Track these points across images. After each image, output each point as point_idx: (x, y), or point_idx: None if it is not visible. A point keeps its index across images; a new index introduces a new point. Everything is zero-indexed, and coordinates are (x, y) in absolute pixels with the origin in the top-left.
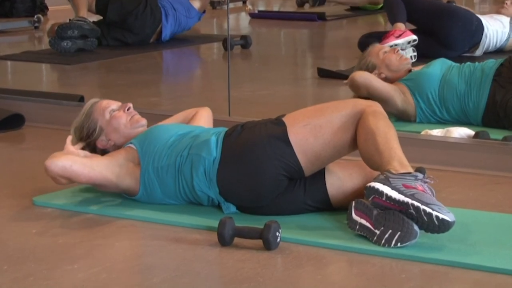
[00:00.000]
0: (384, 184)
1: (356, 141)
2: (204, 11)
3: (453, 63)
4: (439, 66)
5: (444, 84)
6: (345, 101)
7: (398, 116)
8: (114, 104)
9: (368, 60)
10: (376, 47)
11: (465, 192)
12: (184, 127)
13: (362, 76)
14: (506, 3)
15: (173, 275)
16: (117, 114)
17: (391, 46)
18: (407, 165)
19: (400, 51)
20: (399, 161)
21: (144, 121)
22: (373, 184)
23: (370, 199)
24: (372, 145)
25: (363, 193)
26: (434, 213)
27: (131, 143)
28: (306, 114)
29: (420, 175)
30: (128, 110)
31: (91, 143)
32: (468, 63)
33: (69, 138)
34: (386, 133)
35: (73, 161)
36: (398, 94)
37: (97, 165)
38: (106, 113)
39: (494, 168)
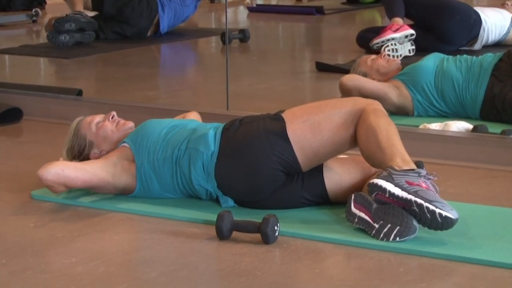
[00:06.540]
0: (387, 181)
1: (355, 139)
2: None
3: (446, 56)
4: (432, 59)
5: (440, 75)
6: (345, 99)
7: (396, 112)
8: (98, 117)
9: (358, 70)
10: (363, 57)
11: (463, 186)
12: (176, 120)
13: (351, 80)
14: (507, 4)
15: (171, 269)
16: (103, 124)
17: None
18: (410, 161)
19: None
20: (402, 158)
21: (131, 124)
22: (376, 181)
23: (373, 195)
24: (373, 143)
25: (361, 188)
26: (437, 210)
27: (123, 142)
28: (306, 111)
29: (423, 172)
30: (112, 118)
31: (84, 159)
32: (465, 55)
33: (61, 159)
34: (388, 130)
35: (65, 165)
36: (392, 90)
37: (90, 168)
38: (92, 126)
39: (492, 162)
